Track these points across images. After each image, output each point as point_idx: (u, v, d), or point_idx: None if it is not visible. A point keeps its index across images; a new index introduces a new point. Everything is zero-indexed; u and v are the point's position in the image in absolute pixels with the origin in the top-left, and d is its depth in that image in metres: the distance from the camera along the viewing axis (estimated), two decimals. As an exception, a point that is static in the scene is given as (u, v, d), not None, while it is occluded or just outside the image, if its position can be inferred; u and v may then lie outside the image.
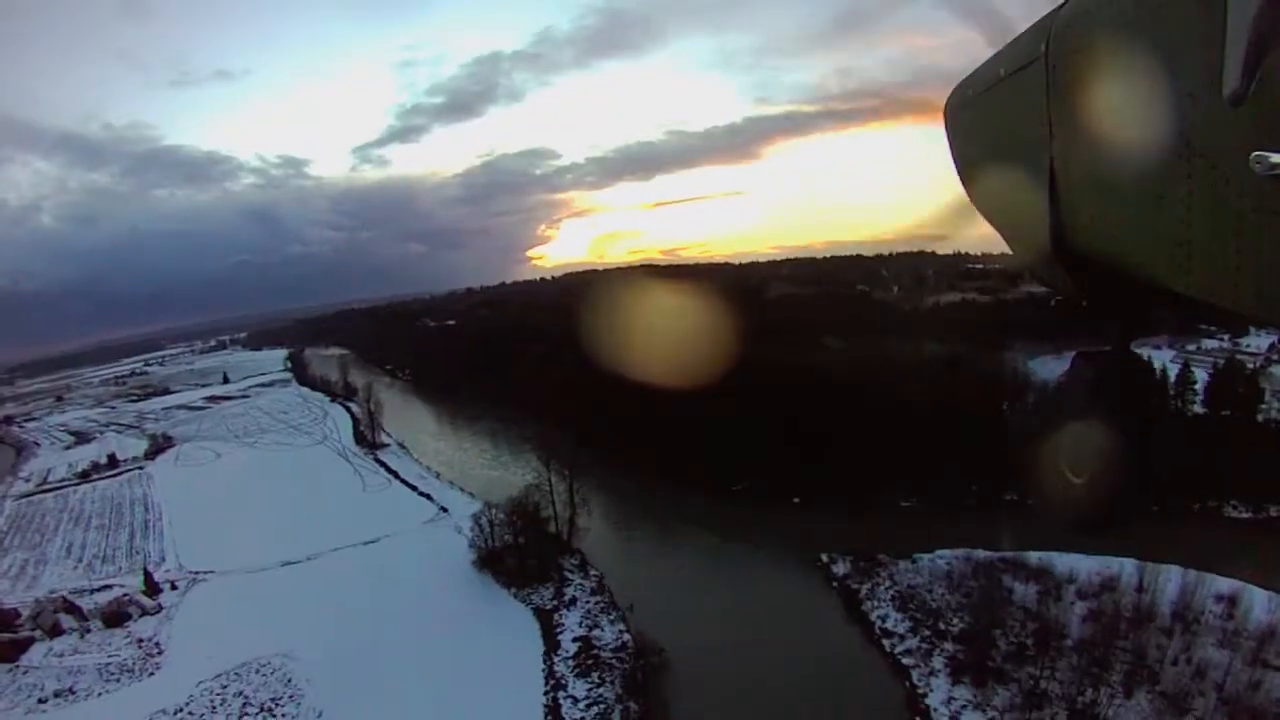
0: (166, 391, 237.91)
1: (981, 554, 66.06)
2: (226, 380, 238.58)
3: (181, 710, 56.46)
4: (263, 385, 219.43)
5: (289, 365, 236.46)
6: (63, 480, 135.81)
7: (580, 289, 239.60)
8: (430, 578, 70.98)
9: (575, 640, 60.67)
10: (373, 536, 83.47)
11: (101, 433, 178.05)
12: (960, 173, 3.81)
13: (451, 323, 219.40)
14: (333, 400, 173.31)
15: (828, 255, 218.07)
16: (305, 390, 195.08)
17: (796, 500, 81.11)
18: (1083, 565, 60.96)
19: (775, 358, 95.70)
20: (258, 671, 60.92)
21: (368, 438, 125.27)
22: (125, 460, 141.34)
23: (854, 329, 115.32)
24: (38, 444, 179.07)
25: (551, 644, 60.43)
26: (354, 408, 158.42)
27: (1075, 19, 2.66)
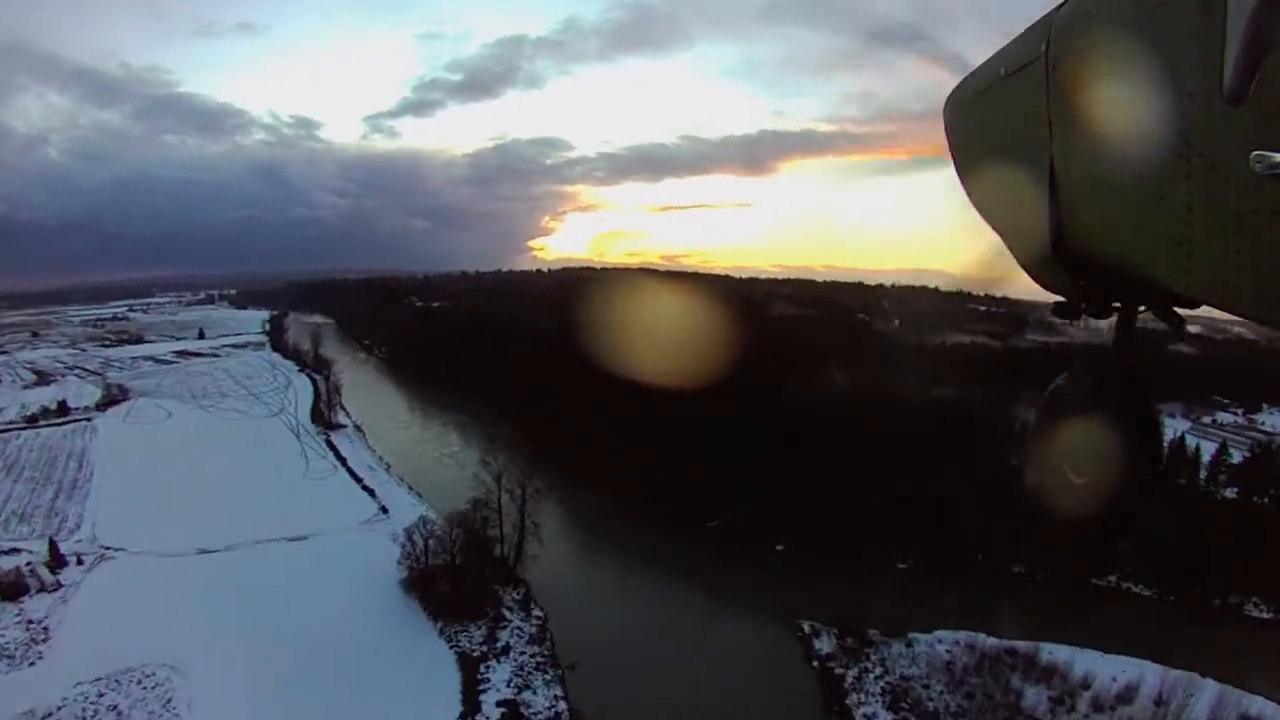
0: (140, 340, 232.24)
1: (988, 642, 59.88)
2: (202, 336, 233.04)
3: (50, 717, 51.42)
4: (236, 346, 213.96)
5: (267, 328, 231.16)
6: (9, 423, 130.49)
7: (576, 286, 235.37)
8: (349, 594, 64.73)
9: (500, 705, 53.16)
10: (302, 532, 77.97)
11: (64, 375, 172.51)
12: (959, 172, 3.71)
13: (439, 305, 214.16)
14: (301, 370, 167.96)
15: (829, 280, 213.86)
16: (276, 356, 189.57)
17: (780, 547, 75.70)
18: (1100, 668, 55.63)
19: (770, 380, 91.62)
20: (139, 683, 55.23)
21: (325, 416, 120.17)
22: (77, 409, 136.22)
23: (854, 359, 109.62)
24: (0, 381, 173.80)
25: (471, 704, 53.12)
26: (319, 381, 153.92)
27: (1075, 19, 2.66)
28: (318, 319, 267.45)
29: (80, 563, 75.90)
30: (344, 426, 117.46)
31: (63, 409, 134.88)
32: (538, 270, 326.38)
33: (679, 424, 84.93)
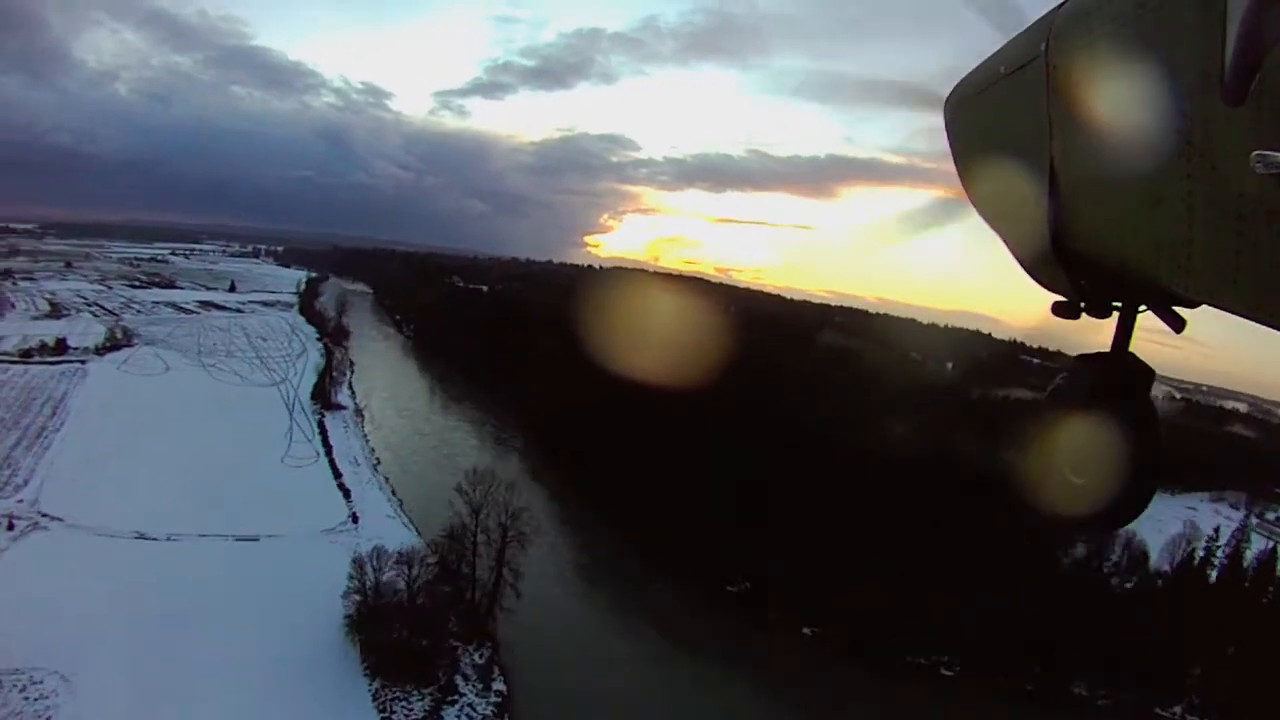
0: (170, 285, 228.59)
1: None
2: (233, 289, 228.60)
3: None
4: (264, 303, 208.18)
5: (301, 289, 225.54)
6: (2, 354, 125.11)
7: (626, 286, 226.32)
8: (281, 623, 54.10)
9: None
10: (254, 531, 68.44)
11: (79, 311, 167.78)
12: (960, 171, 3.76)
13: (480, 288, 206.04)
14: (320, 338, 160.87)
15: (881, 312, 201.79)
16: (301, 320, 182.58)
17: (809, 631, 64.26)
18: None
19: (814, 421, 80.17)
20: (22, 690, 47.27)
21: (327, 393, 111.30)
22: (75, 349, 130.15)
23: (910, 406, 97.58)
24: (13, 306, 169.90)
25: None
26: (336, 353, 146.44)
27: (1075, 19, 2.73)
28: (359, 287, 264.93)
29: (10, 528, 67.98)
30: (344, 408, 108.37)
31: (60, 347, 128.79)
32: (589, 266, 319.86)
33: (708, 459, 74.10)
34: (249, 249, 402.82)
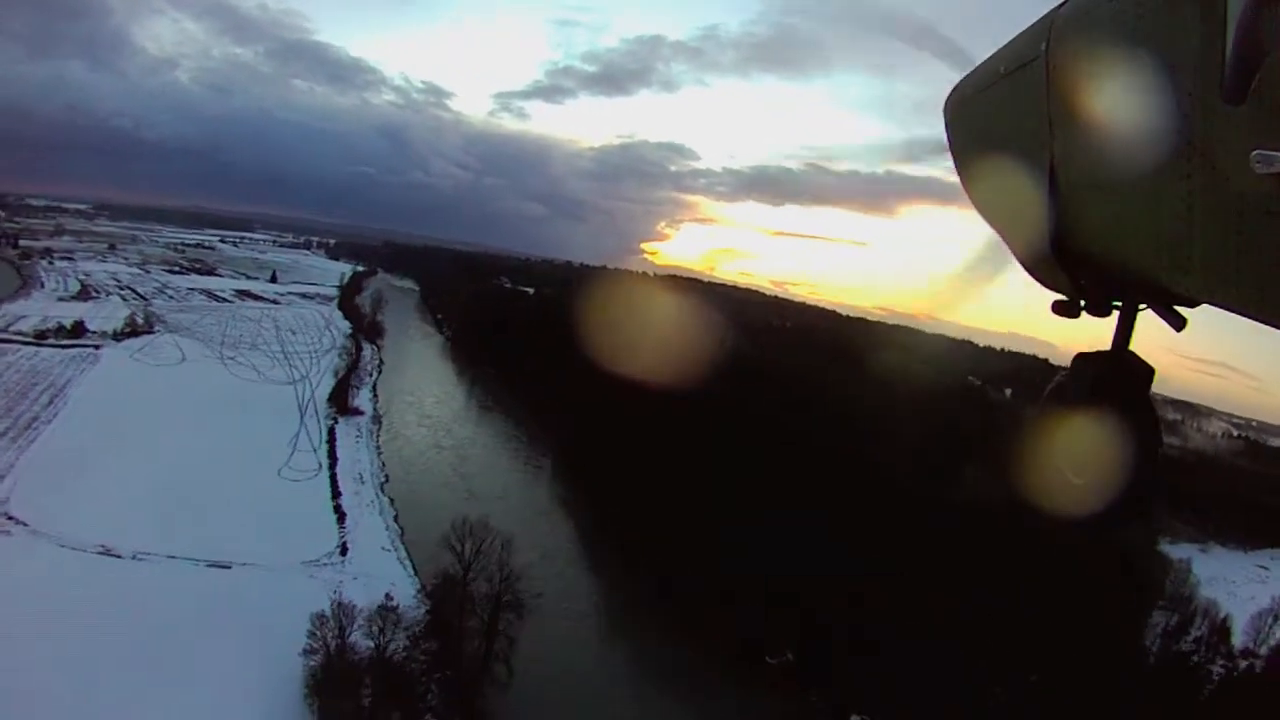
0: (210, 273, 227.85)
1: None
2: (274, 280, 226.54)
3: None
4: (303, 295, 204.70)
5: (342, 283, 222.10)
6: (17, 334, 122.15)
7: (681, 296, 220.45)
8: (232, 679, 45.63)
9: None
10: (228, 557, 60.73)
11: (109, 294, 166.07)
12: (960, 171, 3.81)
13: (527, 290, 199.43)
14: (352, 334, 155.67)
15: (935, 333, 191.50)
16: (338, 315, 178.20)
17: None
18: None
19: (881, 459, 71.92)
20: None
21: (345, 396, 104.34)
22: (93, 333, 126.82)
23: (975, 441, 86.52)
24: (42, 285, 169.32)
25: None
26: (366, 352, 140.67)
27: (1075, 18, 2.76)
28: (406, 283, 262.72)
29: (-33, 533, 62.03)
30: (361, 414, 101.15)
31: (77, 330, 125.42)
32: (643, 273, 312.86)
33: (755, 497, 64.76)
34: (301, 240, 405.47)
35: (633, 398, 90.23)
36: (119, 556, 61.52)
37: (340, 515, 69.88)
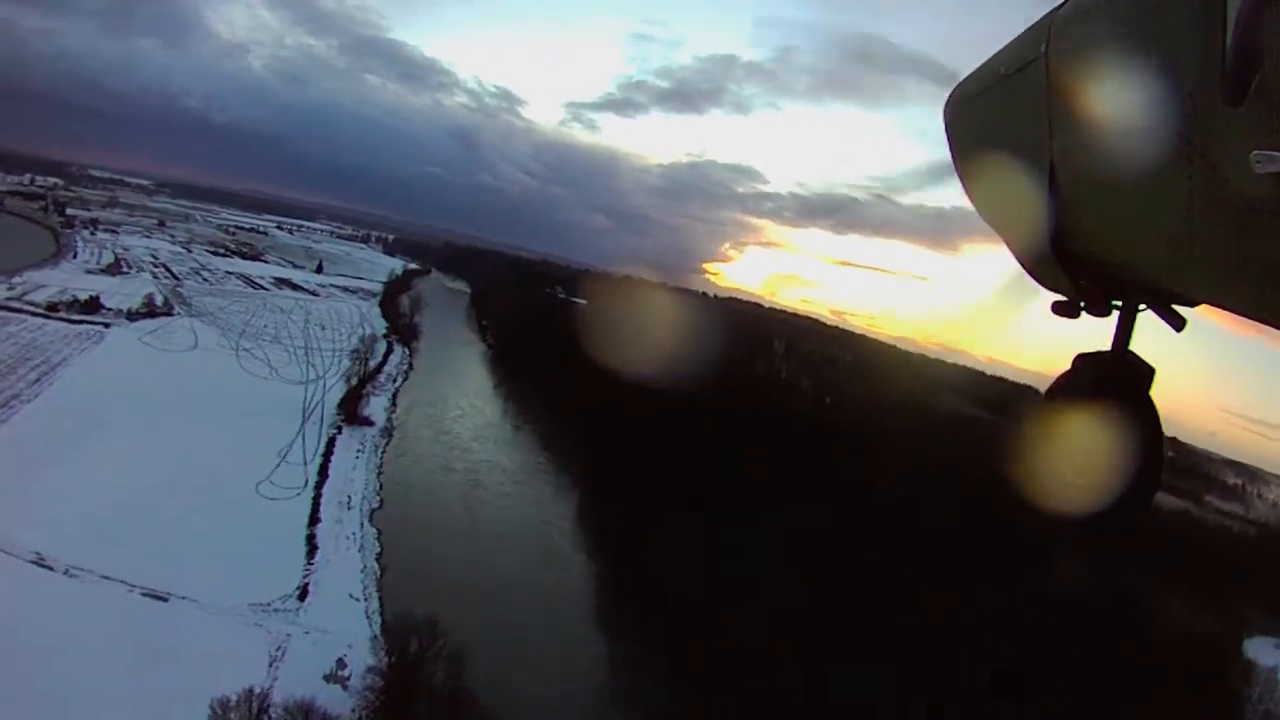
0: (256, 258, 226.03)
1: None
2: (320, 270, 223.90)
3: None
4: (345, 289, 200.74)
5: (390, 279, 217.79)
6: (28, 304, 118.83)
7: (742, 321, 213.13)
8: None
9: None
10: (169, 587, 52.84)
11: (140, 270, 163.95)
12: (960, 172, 3.87)
13: (580, 301, 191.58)
14: (386, 335, 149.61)
15: (995, 374, 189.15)
16: (378, 312, 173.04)
17: None
18: None
19: (942, 517, 66.75)
20: None
21: (357, 404, 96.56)
22: (107, 310, 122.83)
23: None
24: (75, 255, 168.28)
25: None
26: (396, 355, 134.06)
27: (1075, 19, 2.82)
28: (459, 285, 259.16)
29: (-100, 524, 55.60)
30: (371, 424, 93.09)
31: (91, 305, 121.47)
32: (703, 294, 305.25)
33: (811, 567, 57.32)
34: (360, 234, 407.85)
35: (678, 433, 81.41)
36: (50, 569, 54.46)
37: (312, 548, 61.19)
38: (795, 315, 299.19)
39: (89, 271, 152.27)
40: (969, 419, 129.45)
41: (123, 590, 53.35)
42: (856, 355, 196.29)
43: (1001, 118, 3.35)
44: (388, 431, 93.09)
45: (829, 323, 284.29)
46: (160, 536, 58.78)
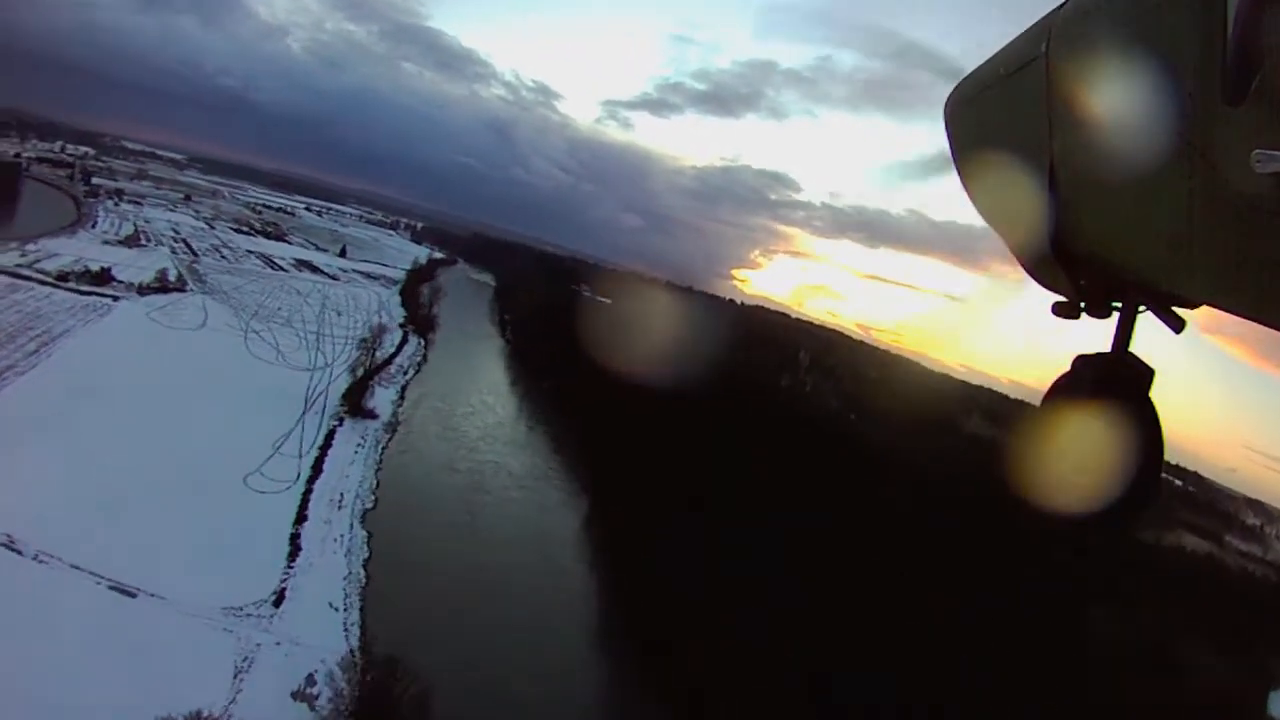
0: (280, 238, 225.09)
1: None
2: (343, 254, 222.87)
3: None
4: (367, 275, 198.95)
5: (413, 268, 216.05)
6: (39, 272, 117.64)
7: (767, 330, 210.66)
8: None
9: None
10: (138, 583, 49.69)
11: (158, 244, 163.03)
12: (960, 172, 3.90)
13: (605, 301, 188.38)
14: (403, 325, 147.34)
15: (1017, 398, 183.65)
16: (397, 300, 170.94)
17: None
18: None
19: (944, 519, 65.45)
20: None
21: (362, 395, 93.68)
22: (118, 282, 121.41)
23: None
24: (94, 225, 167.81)
25: None
26: (409, 347, 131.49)
27: (1075, 19, 2.86)
28: (485, 277, 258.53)
29: None
30: (375, 417, 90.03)
31: (102, 277, 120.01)
32: (730, 300, 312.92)
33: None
34: (390, 220, 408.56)
35: (693, 441, 78.19)
36: (19, 553, 51.65)
37: (295, 548, 58.07)
38: (822, 327, 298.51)
39: (106, 242, 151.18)
40: (987, 440, 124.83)
41: (90, 582, 50.52)
42: (881, 370, 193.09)
43: (1001, 118, 3.34)
44: (392, 426, 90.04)
45: (855, 336, 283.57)
46: (137, 525, 56.04)
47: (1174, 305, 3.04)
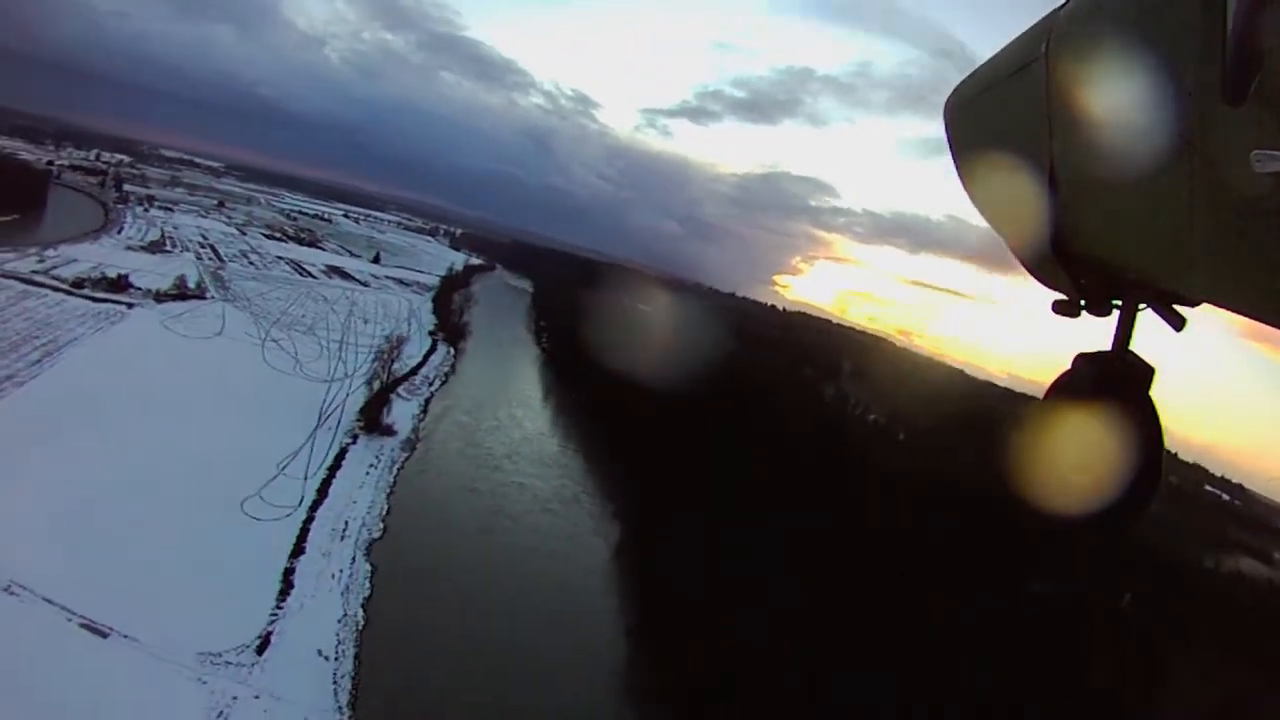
0: (314, 244, 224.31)
1: None
2: (376, 260, 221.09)
3: None
4: (400, 281, 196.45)
5: (448, 274, 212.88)
6: (54, 278, 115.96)
7: (809, 337, 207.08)
8: None
9: None
10: (112, 621, 44.64)
11: (184, 250, 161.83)
12: (960, 172, 3.93)
13: (644, 307, 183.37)
14: (432, 333, 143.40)
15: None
16: (429, 307, 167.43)
17: None
18: None
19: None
20: None
21: (380, 410, 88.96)
22: (135, 289, 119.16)
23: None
24: (120, 231, 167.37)
25: None
26: (437, 356, 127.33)
27: (1075, 19, 2.88)
28: (524, 284, 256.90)
29: None
30: (393, 434, 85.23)
31: (119, 284, 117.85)
32: (772, 306, 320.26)
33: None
34: (429, 226, 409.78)
35: (738, 461, 72.68)
36: (-7, 589, 47.66)
37: (286, 585, 52.96)
38: (864, 333, 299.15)
39: (129, 248, 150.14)
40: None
41: (61, 618, 46.04)
42: (923, 378, 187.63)
43: (1001, 118, 3.38)
44: (411, 443, 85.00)
45: (897, 343, 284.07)
46: (119, 555, 51.44)
47: (1174, 304, 3.04)
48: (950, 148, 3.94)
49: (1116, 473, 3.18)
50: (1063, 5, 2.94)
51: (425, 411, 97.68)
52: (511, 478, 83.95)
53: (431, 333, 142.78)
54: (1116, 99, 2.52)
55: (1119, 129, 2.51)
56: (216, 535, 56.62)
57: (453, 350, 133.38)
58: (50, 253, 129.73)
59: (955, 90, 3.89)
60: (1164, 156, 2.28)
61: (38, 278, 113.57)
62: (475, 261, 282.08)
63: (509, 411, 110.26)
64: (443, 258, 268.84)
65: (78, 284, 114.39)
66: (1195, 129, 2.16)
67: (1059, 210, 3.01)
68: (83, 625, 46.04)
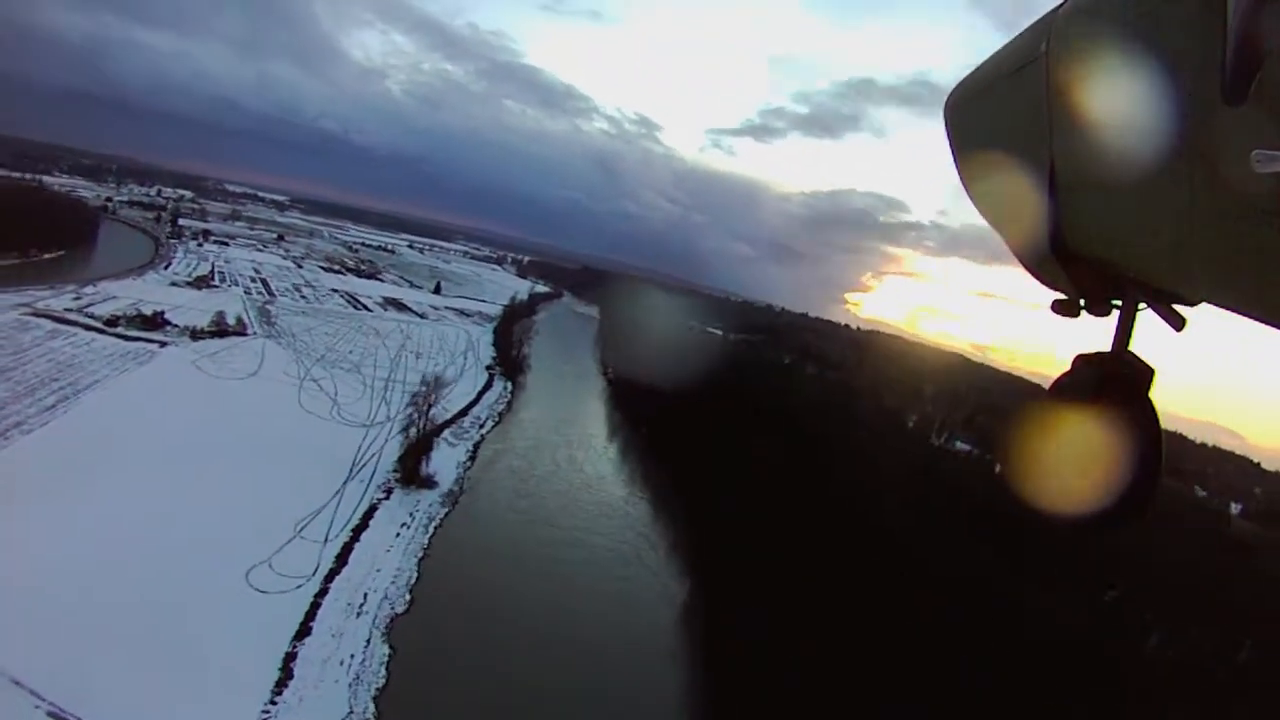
0: (374, 276, 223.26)
1: None
2: (438, 290, 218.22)
3: None
4: (461, 312, 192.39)
5: (511, 303, 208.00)
6: (88, 317, 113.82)
7: (887, 356, 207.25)
8: None
9: None
10: (81, 712, 39.20)
11: (231, 286, 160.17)
12: (960, 172, 3.99)
13: (716, 332, 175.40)
14: (490, 367, 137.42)
15: None
16: (489, 339, 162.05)
17: None
18: None
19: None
20: None
21: (419, 459, 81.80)
22: (172, 327, 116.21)
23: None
24: (168, 266, 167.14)
25: None
26: (492, 393, 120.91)
27: (1075, 18, 2.91)
28: (591, 310, 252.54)
29: None
30: (433, 486, 78.00)
31: (154, 321, 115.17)
32: (845, 325, 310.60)
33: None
34: (496, 255, 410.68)
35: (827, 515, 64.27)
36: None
37: (286, 674, 45.58)
38: (939, 351, 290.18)
39: (174, 284, 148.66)
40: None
41: (29, 704, 40.16)
42: (1005, 399, 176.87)
43: (1001, 118, 3.44)
44: (453, 496, 77.25)
45: (973, 359, 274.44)
46: (101, 633, 45.47)
47: (1174, 304, 3.10)
48: (950, 147, 3.94)
49: (1116, 473, 3.17)
50: (1062, 5, 2.93)
51: (474, 457, 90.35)
52: (566, 532, 75.38)
53: (489, 367, 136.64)
54: (1116, 99, 2.54)
55: (1119, 129, 2.54)
56: (214, 611, 49.77)
57: (510, 385, 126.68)
58: (89, 290, 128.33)
59: (955, 89, 3.89)
60: (1164, 156, 2.31)
61: (70, 315, 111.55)
62: (541, 289, 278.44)
63: (568, 453, 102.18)
64: (508, 286, 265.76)
65: (111, 322, 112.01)
66: (1195, 129, 2.20)
67: (1059, 210, 3.04)
68: (50, 714, 39.99)
